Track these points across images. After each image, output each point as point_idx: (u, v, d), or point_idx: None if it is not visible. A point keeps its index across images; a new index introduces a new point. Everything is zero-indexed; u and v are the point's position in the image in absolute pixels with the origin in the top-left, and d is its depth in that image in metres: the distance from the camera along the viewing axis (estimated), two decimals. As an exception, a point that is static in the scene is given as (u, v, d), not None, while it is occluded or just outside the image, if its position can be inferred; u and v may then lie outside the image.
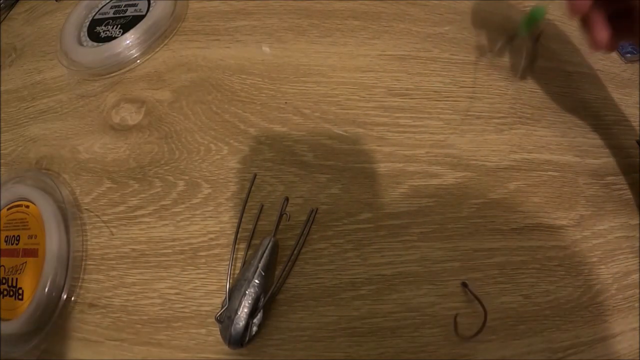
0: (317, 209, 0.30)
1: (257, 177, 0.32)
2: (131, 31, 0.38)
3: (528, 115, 0.36)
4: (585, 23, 0.29)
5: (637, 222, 0.33)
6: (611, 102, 0.38)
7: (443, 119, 0.35)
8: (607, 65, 0.40)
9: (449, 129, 0.35)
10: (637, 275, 0.31)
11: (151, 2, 0.40)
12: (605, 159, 0.35)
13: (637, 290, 0.30)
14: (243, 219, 0.29)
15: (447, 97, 0.36)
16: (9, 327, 0.27)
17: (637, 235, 0.32)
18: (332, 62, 0.37)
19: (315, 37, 0.39)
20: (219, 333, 0.26)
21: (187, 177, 0.32)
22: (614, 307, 0.29)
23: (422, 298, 0.28)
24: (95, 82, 0.38)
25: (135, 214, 0.31)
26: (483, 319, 0.27)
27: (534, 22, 0.33)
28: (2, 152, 0.37)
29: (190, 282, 0.29)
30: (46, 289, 0.27)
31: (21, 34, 0.45)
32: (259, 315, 0.26)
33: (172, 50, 0.39)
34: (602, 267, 0.30)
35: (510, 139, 0.35)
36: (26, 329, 0.27)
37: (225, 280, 0.28)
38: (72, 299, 0.29)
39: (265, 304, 0.26)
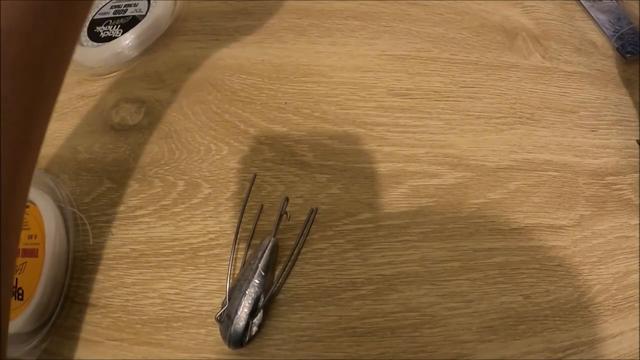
0: (317, 209, 0.30)
1: (257, 177, 0.32)
2: (131, 31, 0.38)
3: (528, 115, 0.36)
4: None
5: (637, 222, 0.33)
6: (611, 102, 0.38)
7: (443, 119, 0.35)
8: (607, 65, 0.40)
9: (449, 129, 0.35)
10: (637, 275, 0.31)
11: (151, 2, 0.40)
12: (605, 159, 0.35)
13: (637, 290, 0.30)
14: (243, 219, 0.29)
15: (447, 97, 0.36)
16: (9, 327, 0.27)
17: (637, 235, 0.32)
18: (332, 62, 0.37)
19: (315, 37, 0.39)
20: (219, 333, 0.26)
21: (187, 177, 0.32)
22: (614, 307, 0.29)
23: (422, 298, 0.28)
24: (95, 82, 0.38)
25: (135, 214, 0.31)
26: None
27: None
28: (2, 152, 0.37)
29: (190, 282, 0.29)
30: (46, 289, 0.27)
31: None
32: (259, 315, 0.26)
33: (172, 50, 0.39)
34: (602, 267, 0.30)
35: (510, 139, 0.35)
36: (26, 329, 0.27)
37: (225, 280, 0.28)
38: (72, 299, 0.29)
39: (265, 304, 0.26)
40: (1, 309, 0.17)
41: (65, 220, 0.30)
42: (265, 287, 0.27)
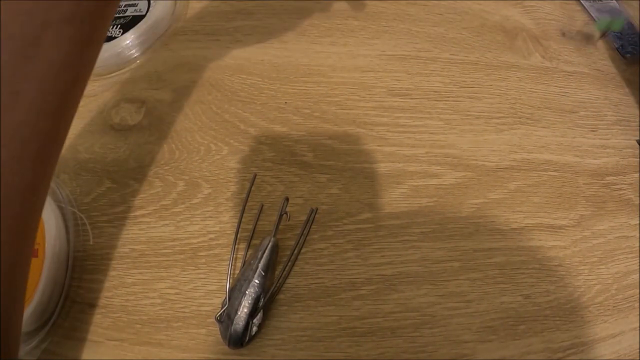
0: (317, 209, 0.30)
1: (257, 177, 0.32)
2: (131, 31, 0.38)
3: (528, 115, 0.36)
4: None
5: (637, 222, 0.33)
6: (611, 102, 0.38)
7: (443, 119, 0.35)
8: (607, 65, 0.40)
9: (449, 129, 0.35)
10: (637, 275, 0.31)
11: (151, 2, 0.40)
12: (605, 159, 0.35)
13: (637, 290, 0.30)
14: (243, 219, 0.29)
15: (447, 97, 0.36)
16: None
17: (637, 235, 0.32)
18: (332, 62, 0.37)
19: (315, 37, 0.39)
20: (219, 333, 0.26)
21: (187, 177, 0.32)
22: (614, 307, 0.29)
23: (422, 298, 0.28)
24: (95, 82, 0.38)
25: (135, 214, 0.31)
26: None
27: (608, 28, 0.36)
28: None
29: (190, 282, 0.29)
30: (46, 289, 0.27)
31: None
32: (259, 315, 0.26)
33: (172, 50, 0.39)
34: (602, 267, 0.30)
35: (510, 139, 0.35)
36: (26, 329, 0.27)
37: (225, 280, 0.28)
38: (72, 299, 0.29)
39: (265, 304, 0.26)
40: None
41: (65, 220, 0.30)
42: (265, 287, 0.27)
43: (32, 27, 0.15)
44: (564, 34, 0.38)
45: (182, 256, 0.30)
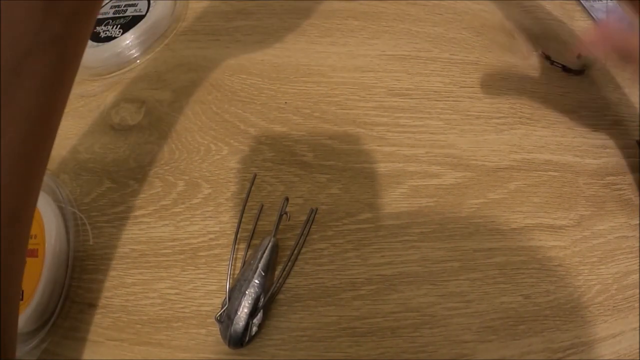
0: (317, 209, 0.30)
1: (257, 177, 0.32)
2: (131, 31, 0.38)
3: (528, 115, 0.36)
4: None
5: (637, 222, 0.33)
6: (611, 102, 0.38)
7: (443, 119, 0.35)
8: (607, 65, 0.40)
9: (449, 129, 0.35)
10: (637, 275, 0.31)
11: (151, 2, 0.40)
12: (605, 159, 0.35)
13: (637, 290, 0.30)
14: (243, 219, 0.29)
15: (447, 97, 0.36)
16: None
17: (637, 235, 0.32)
18: (332, 62, 0.37)
19: (315, 37, 0.39)
20: (219, 333, 0.26)
21: (187, 177, 0.32)
22: (614, 307, 0.29)
23: (422, 298, 0.28)
24: (95, 82, 0.38)
25: (135, 214, 0.31)
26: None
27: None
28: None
29: (190, 282, 0.29)
30: (46, 289, 0.27)
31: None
32: (259, 315, 0.26)
33: (172, 50, 0.39)
34: (602, 267, 0.30)
35: (510, 139, 0.35)
36: (26, 329, 0.27)
37: (225, 280, 0.28)
38: (72, 299, 0.29)
39: (265, 304, 0.26)
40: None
41: (65, 220, 0.30)
42: (265, 287, 0.27)
43: (18, 51, 0.15)
44: (548, 58, 0.39)
45: (182, 256, 0.30)
